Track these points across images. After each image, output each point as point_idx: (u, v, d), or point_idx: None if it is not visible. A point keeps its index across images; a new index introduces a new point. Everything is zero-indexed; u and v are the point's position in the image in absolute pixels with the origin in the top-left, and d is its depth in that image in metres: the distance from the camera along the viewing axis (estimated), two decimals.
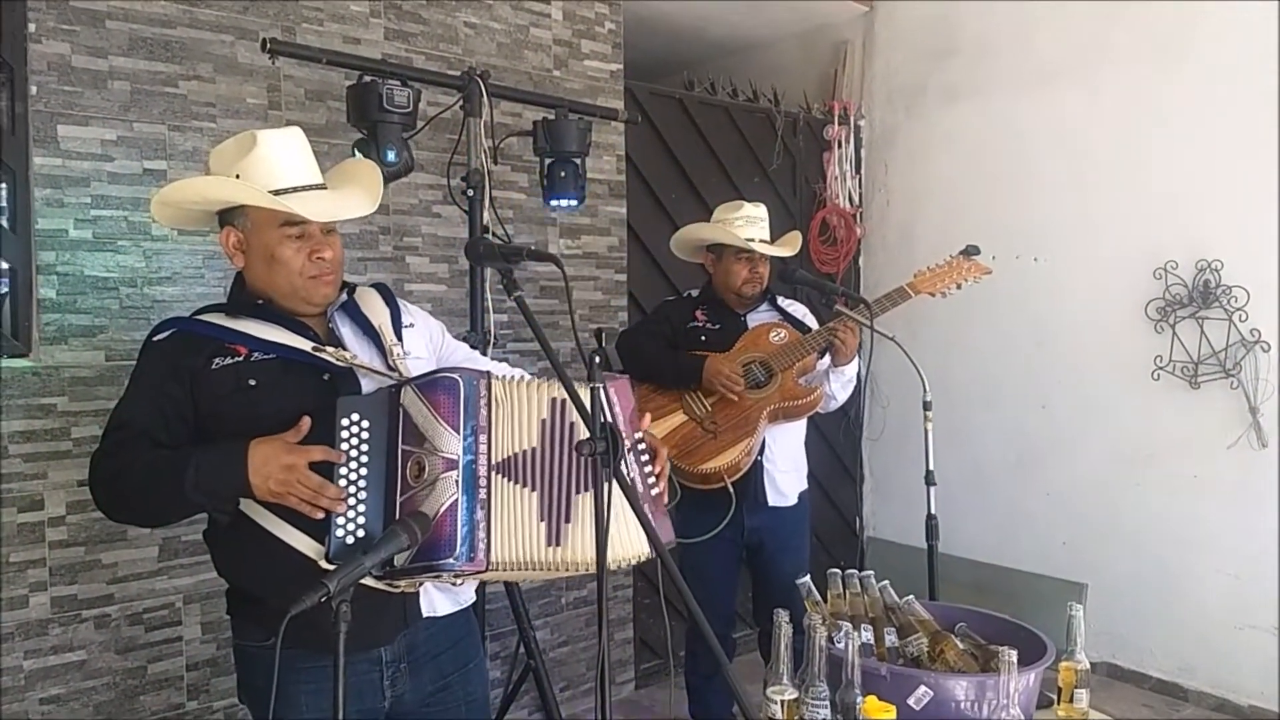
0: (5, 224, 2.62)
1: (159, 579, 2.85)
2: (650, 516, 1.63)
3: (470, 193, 2.91)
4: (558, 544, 1.62)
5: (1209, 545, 3.84)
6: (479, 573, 1.61)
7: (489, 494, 1.61)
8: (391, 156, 2.67)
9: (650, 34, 4.75)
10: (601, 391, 1.57)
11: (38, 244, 2.64)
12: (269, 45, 2.65)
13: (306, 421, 1.60)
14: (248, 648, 1.77)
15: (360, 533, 1.59)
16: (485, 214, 2.93)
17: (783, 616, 2.04)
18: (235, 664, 1.84)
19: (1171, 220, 3.88)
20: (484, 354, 2.63)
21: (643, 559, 1.68)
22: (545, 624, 3.71)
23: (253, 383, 1.67)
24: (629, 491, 1.60)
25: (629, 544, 1.65)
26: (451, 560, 1.55)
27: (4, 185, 2.63)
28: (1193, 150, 3.82)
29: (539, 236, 3.72)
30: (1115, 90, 4.05)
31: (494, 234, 2.95)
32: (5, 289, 2.65)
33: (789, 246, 3.14)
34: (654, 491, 1.75)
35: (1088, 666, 2.16)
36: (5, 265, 2.63)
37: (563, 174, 3.10)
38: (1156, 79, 3.92)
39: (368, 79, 2.73)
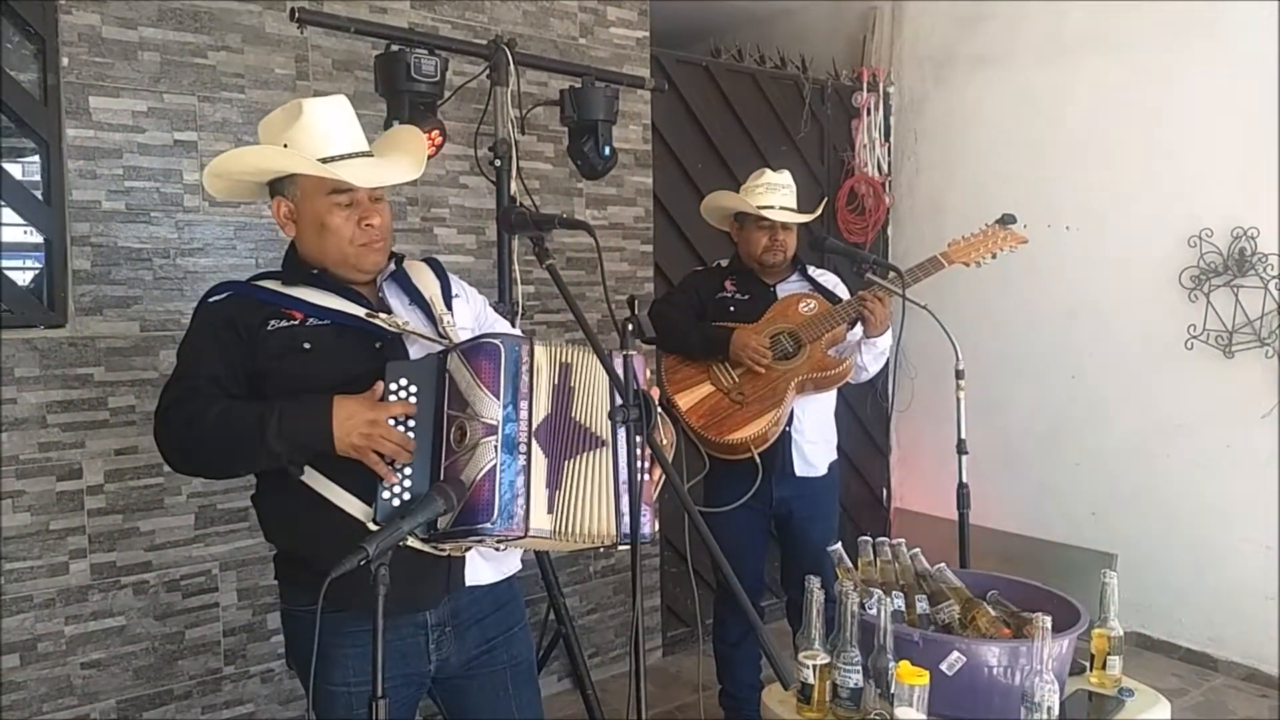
0: (39, 196, 2.65)
1: (195, 546, 2.89)
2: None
3: (498, 163, 2.91)
4: (550, 512, 1.62)
5: (1240, 516, 3.80)
6: (519, 538, 1.60)
7: (529, 460, 1.60)
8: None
9: (676, 1, 4.69)
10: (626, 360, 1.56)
11: (71, 215, 2.67)
12: (297, 15, 2.64)
13: (380, 386, 1.62)
14: (294, 612, 1.79)
15: (406, 495, 1.60)
16: (513, 184, 2.93)
17: (815, 582, 2.05)
18: (283, 627, 1.87)
19: (1206, 188, 3.82)
20: (512, 325, 2.63)
21: (611, 540, 1.64)
22: (574, 591, 3.74)
23: (307, 346, 1.69)
24: (662, 459, 1.60)
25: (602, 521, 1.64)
26: (489, 525, 1.55)
27: (38, 157, 2.66)
28: (1227, 117, 3.74)
29: (565, 207, 3.71)
30: (1147, 58, 3.97)
31: (522, 204, 2.95)
32: (40, 261, 2.69)
33: (809, 212, 3.10)
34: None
35: (1121, 634, 2.16)
36: (40, 237, 2.67)
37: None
38: (1189, 45, 3.83)
39: (395, 48, 2.72)
